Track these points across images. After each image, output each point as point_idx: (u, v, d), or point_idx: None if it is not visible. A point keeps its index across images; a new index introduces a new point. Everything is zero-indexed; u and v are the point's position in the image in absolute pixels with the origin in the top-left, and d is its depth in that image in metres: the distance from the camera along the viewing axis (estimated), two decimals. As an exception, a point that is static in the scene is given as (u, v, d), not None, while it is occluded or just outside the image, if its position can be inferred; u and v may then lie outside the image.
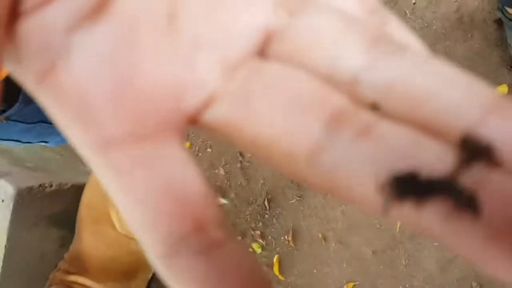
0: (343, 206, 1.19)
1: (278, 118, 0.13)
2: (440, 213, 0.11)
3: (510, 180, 0.12)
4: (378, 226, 1.15)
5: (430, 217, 0.12)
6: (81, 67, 0.14)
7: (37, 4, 0.14)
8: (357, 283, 1.17)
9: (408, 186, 0.12)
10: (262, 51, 0.15)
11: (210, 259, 0.13)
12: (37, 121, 0.54)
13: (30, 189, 1.35)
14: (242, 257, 0.13)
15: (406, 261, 1.12)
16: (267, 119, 0.14)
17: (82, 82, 0.14)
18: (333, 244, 1.21)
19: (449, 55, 1.07)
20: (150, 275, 1.47)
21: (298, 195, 1.26)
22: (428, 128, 0.13)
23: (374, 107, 0.13)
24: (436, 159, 0.12)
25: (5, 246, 1.33)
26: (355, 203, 0.13)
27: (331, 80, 0.14)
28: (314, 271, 1.23)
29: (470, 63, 1.04)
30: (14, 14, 0.14)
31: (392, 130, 0.13)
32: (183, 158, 0.14)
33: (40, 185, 1.38)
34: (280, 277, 1.27)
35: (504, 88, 1.00)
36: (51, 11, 0.14)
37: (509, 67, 0.99)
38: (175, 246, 0.13)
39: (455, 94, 0.13)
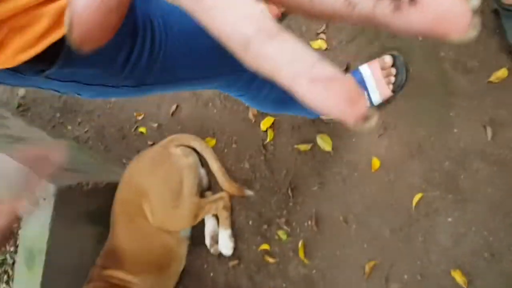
0: (361, 189, 1.29)
1: None
2: (390, 6, 0.23)
3: None
4: (394, 206, 1.24)
5: (384, 10, 0.23)
6: None
7: None
8: (377, 261, 1.25)
9: None
10: None
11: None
12: (70, 80, 0.64)
13: (69, 187, 1.45)
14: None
15: (422, 237, 1.20)
16: None
17: None
18: (354, 226, 1.30)
19: (453, 45, 1.17)
20: (182, 267, 1.55)
21: (319, 183, 1.35)
22: None
23: None
24: None
25: (47, 241, 1.42)
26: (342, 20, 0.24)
27: None
28: (337, 253, 1.32)
29: (472, 50, 1.15)
30: None
31: None
32: None
33: (78, 183, 1.48)
34: (305, 261, 1.36)
35: (504, 72, 1.10)
36: None
37: (507, 52, 1.10)
38: None
39: None
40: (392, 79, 1.22)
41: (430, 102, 1.20)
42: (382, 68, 1.23)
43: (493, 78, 1.12)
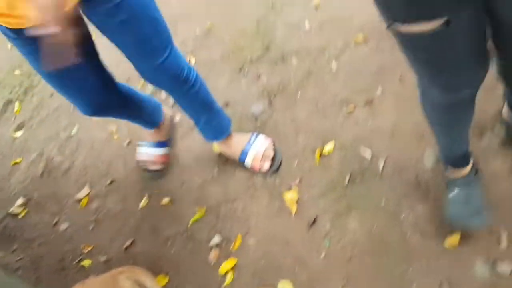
0: None
1: None
2: None
3: None
4: None
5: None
6: None
7: None
8: None
9: None
10: None
11: None
12: None
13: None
14: None
15: None
16: None
17: None
18: None
19: (412, 211, 1.33)
20: None
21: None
22: None
23: None
24: None
25: None
26: None
27: None
28: None
29: (429, 216, 1.30)
30: None
31: None
32: None
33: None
34: None
35: (456, 238, 1.24)
36: None
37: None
38: None
39: None
40: None
41: (391, 259, 1.29)
42: None
43: (446, 244, 1.25)
